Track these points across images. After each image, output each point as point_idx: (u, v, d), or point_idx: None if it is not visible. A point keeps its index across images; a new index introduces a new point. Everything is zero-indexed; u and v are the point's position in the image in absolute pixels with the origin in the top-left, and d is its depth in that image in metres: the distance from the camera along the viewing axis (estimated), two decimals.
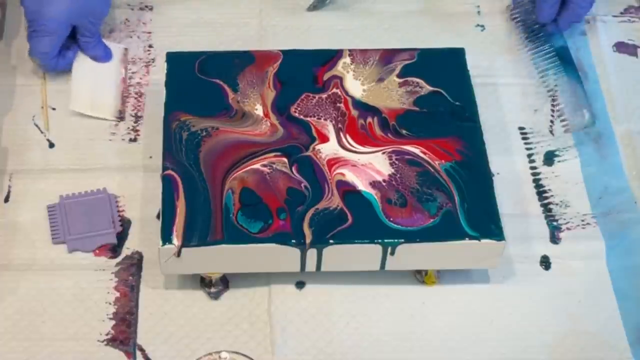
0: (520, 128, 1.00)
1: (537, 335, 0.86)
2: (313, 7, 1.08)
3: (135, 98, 1.00)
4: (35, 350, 0.84)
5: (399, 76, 0.94)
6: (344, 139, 0.90)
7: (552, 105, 1.01)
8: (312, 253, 0.84)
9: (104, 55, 1.01)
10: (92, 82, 0.99)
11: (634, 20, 1.10)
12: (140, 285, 0.88)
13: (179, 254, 0.82)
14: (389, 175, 0.87)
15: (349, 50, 0.96)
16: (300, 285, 0.88)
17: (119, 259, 0.89)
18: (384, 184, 0.86)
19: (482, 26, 1.08)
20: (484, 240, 0.83)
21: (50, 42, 0.96)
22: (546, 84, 1.01)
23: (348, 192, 0.86)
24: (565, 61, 1.02)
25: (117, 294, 0.87)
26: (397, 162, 0.88)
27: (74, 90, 0.98)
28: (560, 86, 1.01)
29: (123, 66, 1.01)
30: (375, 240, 0.83)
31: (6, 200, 0.92)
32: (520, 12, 1.08)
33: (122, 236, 0.90)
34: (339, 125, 0.91)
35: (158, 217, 0.87)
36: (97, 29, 1.00)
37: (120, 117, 0.98)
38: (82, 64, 1.00)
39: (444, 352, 0.85)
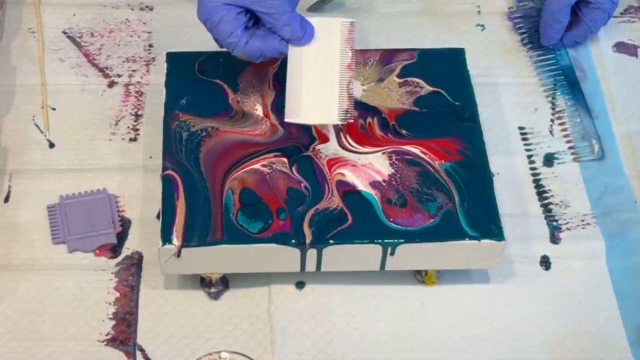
0: (520, 128, 1.00)
1: (537, 335, 0.86)
2: (314, 8, 1.08)
3: (136, 97, 1.00)
4: (35, 350, 0.84)
5: (399, 76, 0.94)
6: (344, 139, 0.90)
7: (552, 105, 1.01)
8: (312, 253, 0.84)
9: (299, 36, 0.85)
10: (309, 78, 0.86)
11: (634, 20, 1.10)
12: (140, 285, 0.88)
13: (179, 254, 0.82)
14: (389, 175, 0.87)
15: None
16: (300, 285, 0.88)
17: (119, 259, 0.89)
18: (384, 184, 0.86)
19: (482, 26, 1.08)
20: (484, 240, 0.83)
21: (225, 24, 0.85)
22: (552, 106, 1.01)
23: (348, 192, 0.86)
24: (572, 84, 1.02)
25: (117, 294, 0.87)
26: (397, 162, 0.88)
27: (287, 96, 0.86)
28: (568, 110, 1.00)
29: (348, 47, 0.84)
30: (375, 241, 0.83)
31: (6, 200, 0.92)
32: (522, 16, 1.08)
33: (122, 236, 0.90)
34: (339, 125, 0.91)
35: (158, 217, 0.87)
36: (279, 11, 0.85)
37: (346, 119, 0.85)
38: (296, 55, 0.86)
39: (444, 352, 0.85)
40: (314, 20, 0.87)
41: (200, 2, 0.87)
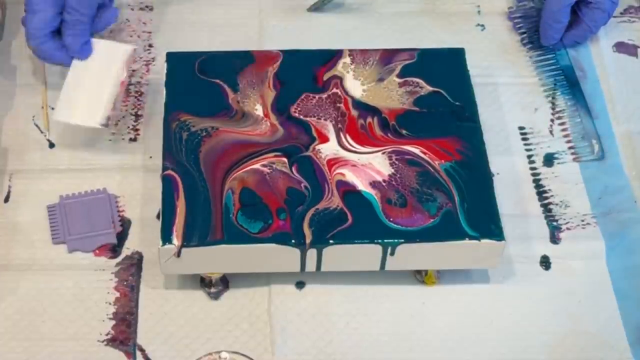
0: (520, 128, 1.00)
1: (537, 335, 0.86)
2: (314, 8, 1.08)
3: (136, 97, 1.00)
4: (35, 350, 0.84)
5: (398, 76, 0.95)
6: (344, 139, 0.90)
7: (552, 105, 1.01)
8: (312, 253, 0.84)
9: (79, 50, 0.95)
10: (83, 87, 0.94)
11: (634, 20, 1.10)
12: (140, 285, 0.88)
13: (179, 254, 0.82)
14: (389, 175, 0.87)
15: (349, 50, 0.96)
16: (300, 285, 0.88)
17: (119, 259, 0.89)
18: (384, 184, 0.86)
19: (482, 26, 1.08)
20: (484, 240, 0.83)
21: (38, 19, 0.93)
22: (552, 105, 1.01)
23: (348, 192, 0.86)
24: (572, 84, 1.02)
25: (117, 294, 0.87)
26: (397, 162, 0.88)
27: (59, 98, 0.94)
28: (568, 111, 1.00)
29: (125, 68, 0.96)
30: (375, 240, 0.83)
31: (6, 200, 0.92)
32: (522, 16, 1.08)
33: (122, 236, 0.90)
34: (339, 125, 0.91)
35: (158, 217, 0.87)
36: (85, 18, 0.94)
37: (106, 124, 0.93)
38: (79, 67, 0.95)
39: (444, 352, 0.85)
40: (103, 42, 0.97)
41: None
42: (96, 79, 0.95)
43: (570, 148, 0.98)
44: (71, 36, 0.94)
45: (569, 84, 1.02)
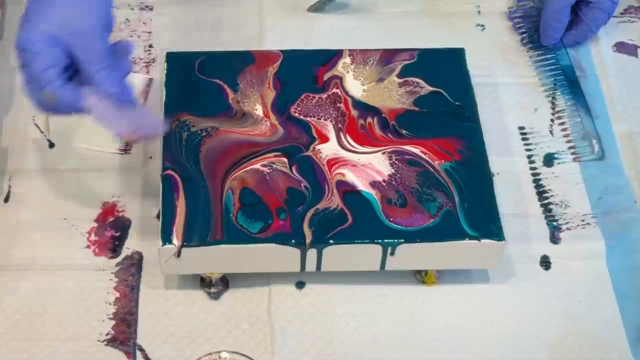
0: (520, 128, 1.00)
1: (537, 335, 0.86)
2: (314, 9, 1.08)
3: None
4: (35, 350, 0.84)
5: (399, 76, 0.95)
6: (344, 139, 0.90)
7: (552, 105, 1.01)
8: (312, 253, 0.84)
9: (121, 92, 0.79)
10: None
11: (634, 20, 1.10)
12: (140, 285, 0.88)
13: (179, 254, 0.82)
14: (389, 175, 0.87)
15: (349, 50, 0.96)
16: (300, 285, 0.88)
17: (119, 259, 0.89)
18: (383, 184, 0.86)
19: (482, 26, 1.08)
20: (483, 240, 0.83)
21: (42, 61, 0.76)
22: (552, 105, 1.01)
23: (348, 192, 0.86)
24: (572, 84, 1.02)
25: (117, 294, 0.87)
26: (397, 162, 0.88)
27: (81, 124, 0.95)
28: (568, 110, 1.00)
29: (143, 96, 0.98)
30: (375, 240, 0.83)
31: (6, 200, 0.92)
32: (522, 16, 1.08)
33: (122, 236, 0.90)
34: (339, 125, 0.91)
35: (158, 217, 0.87)
36: (99, 55, 0.78)
37: (126, 150, 0.95)
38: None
39: (444, 352, 0.85)
40: None
41: (21, 29, 0.77)
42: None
43: (570, 148, 0.98)
44: (105, 83, 0.78)
45: (569, 83, 1.02)
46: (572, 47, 1.05)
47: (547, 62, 1.04)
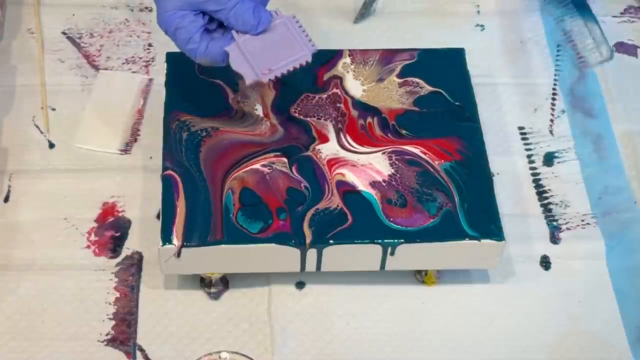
0: (520, 128, 1.00)
1: (537, 335, 0.86)
2: (361, 17, 1.07)
3: None
4: (35, 350, 0.84)
5: (398, 76, 0.95)
6: (344, 139, 0.90)
7: (552, 105, 1.01)
8: (312, 253, 0.84)
9: (254, 25, 0.82)
10: (102, 116, 0.98)
11: (633, 20, 1.10)
12: (140, 285, 0.88)
13: (179, 254, 0.82)
14: (389, 175, 0.87)
15: (349, 50, 0.96)
16: (300, 285, 0.88)
17: (119, 259, 0.89)
18: (383, 184, 0.86)
19: (482, 26, 1.08)
20: (483, 241, 0.83)
21: (183, 34, 0.82)
22: (563, 30, 1.00)
23: (348, 192, 0.86)
24: (580, 6, 1.01)
25: (117, 294, 0.87)
26: (397, 162, 0.88)
27: (81, 126, 0.97)
28: (576, 28, 1.00)
29: (142, 97, 1.00)
30: (375, 240, 0.83)
31: (6, 200, 0.92)
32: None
33: (122, 236, 0.90)
34: (339, 126, 0.91)
35: (158, 217, 0.87)
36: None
37: (126, 150, 0.96)
38: (98, 97, 0.99)
39: (444, 352, 0.85)
40: (120, 73, 1.01)
41: (158, 12, 0.84)
42: (114, 107, 0.99)
43: (570, 148, 0.98)
44: (239, 17, 0.82)
45: (577, 6, 1.01)
46: None
47: (563, 9, 1.02)
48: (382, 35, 1.07)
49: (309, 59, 0.83)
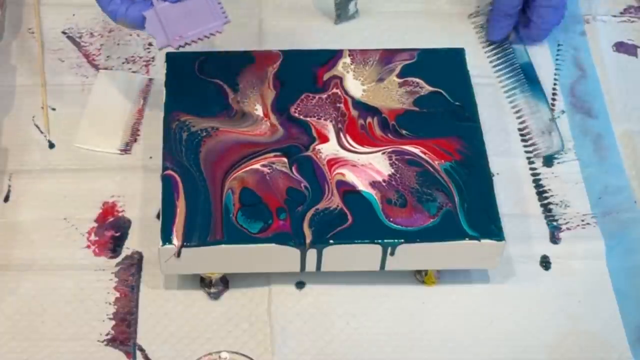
0: (520, 128, 1.00)
1: (537, 335, 0.86)
2: (338, 18, 1.07)
3: None
4: (35, 350, 0.84)
5: (398, 76, 0.95)
6: (343, 139, 0.90)
7: (552, 105, 1.01)
8: (312, 253, 0.84)
9: None
10: (102, 116, 0.98)
11: (633, 20, 1.10)
12: (140, 285, 0.88)
13: (179, 254, 0.82)
14: (389, 175, 0.87)
15: (349, 50, 0.96)
16: (300, 285, 0.88)
17: (119, 259, 0.89)
18: (383, 184, 0.86)
19: (482, 26, 1.08)
20: (483, 240, 0.83)
21: None
22: (513, 105, 1.01)
23: (348, 192, 0.86)
24: (531, 80, 1.02)
25: (117, 294, 0.87)
26: (397, 162, 0.88)
27: (81, 126, 0.97)
28: (528, 109, 1.00)
29: (142, 96, 1.00)
30: (375, 240, 0.83)
31: (6, 200, 0.92)
32: (482, 20, 1.08)
33: (122, 236, 0.90)
34: (339, 126, 0.91)
35: (158, 217, 0.87)
36: None
37: (126, 150, 0.96)
38: (98, 97, 0.99)
39: (444, 352, 0.85)
40: (120, 73, 1.01)
41: None
42: (114, 107, 0.99)
43: (570, 148, 0.98)
44: None
45: (528, 81, 1.02)
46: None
47: (514, 79, 1.03)
48: (382, 35, 1.06)
49: (220, 30, 0.87)
